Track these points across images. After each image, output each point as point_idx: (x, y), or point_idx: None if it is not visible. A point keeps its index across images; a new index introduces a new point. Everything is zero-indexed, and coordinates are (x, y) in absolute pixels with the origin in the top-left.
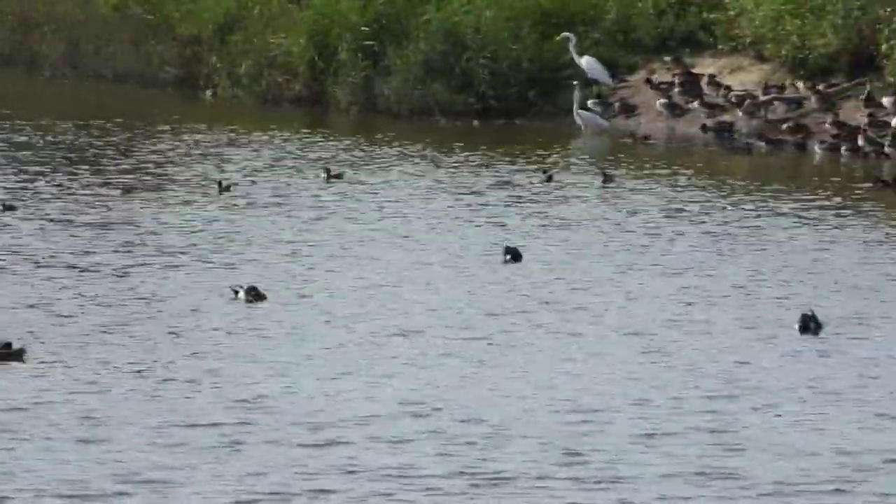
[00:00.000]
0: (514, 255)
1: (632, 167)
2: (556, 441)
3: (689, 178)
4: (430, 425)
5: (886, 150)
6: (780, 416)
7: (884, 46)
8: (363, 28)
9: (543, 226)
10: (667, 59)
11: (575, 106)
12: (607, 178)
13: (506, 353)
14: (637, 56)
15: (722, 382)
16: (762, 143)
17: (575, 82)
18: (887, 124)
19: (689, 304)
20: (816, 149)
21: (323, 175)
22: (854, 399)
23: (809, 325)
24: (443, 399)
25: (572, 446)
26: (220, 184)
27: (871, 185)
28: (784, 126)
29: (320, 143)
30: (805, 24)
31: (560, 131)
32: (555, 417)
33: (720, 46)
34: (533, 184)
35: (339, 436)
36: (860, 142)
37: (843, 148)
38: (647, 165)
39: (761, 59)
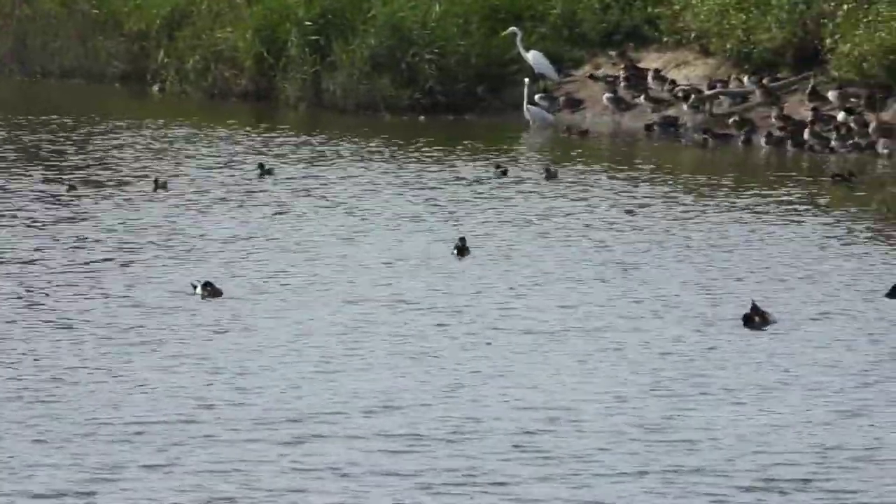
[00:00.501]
0: (461, 249)
1: (579, 162)
2: (521, 439)
3: (636, 173)
4: (389, 423)
5: (832, 144)
6: (739, 411)
7: (828, 41)
8: (309, 23)
9: (492, 221)
10: (612, 53)
11: (525, 100)
12: (550, 174)
13: (465, 349)
14: (583, 50)
15: (680, 378)
16: (707, 138)
17: (526, 79)
18: (832, 118)
19: (643, 299)
20: (762, 143)
21: (257, 171)
22: (811, 394)
23: (754, 318)
24: (402, 397)
25: (537, 445)
26: (156, 181)
27: (829, 179)
28: (729, 120)
29: (265, 138)
30: (750, 18)
31: (508, 126)
32: (519, 415)
33: (665, 41)
34: (482, 179)
35: (299, 433)
36: (806, 136)
37: (788, 142)
38: (595, 160)
39: (706, 53)
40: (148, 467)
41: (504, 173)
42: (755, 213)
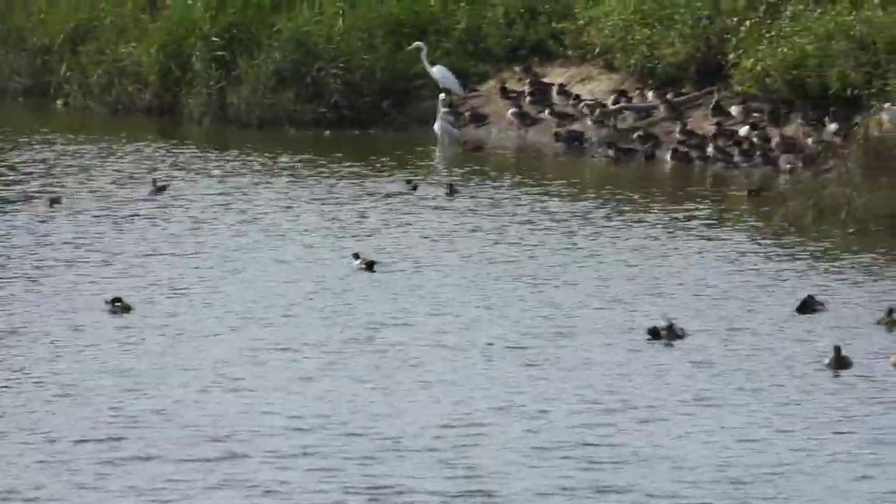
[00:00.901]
0: (369, 265)
1: (486, 177)
2: (444, 455)
3: (542, 188)
4: (309, 440)
5: (735, 159)
6: (652, 427)
7: (731, 56)
8: (214, 39)
9: (401, 236)
10: (517, 68)
11: (438, 115)
12: (452, 191)
13: (384, 365)
14: (487, 65)
15: (597, 394)
16: (612, 152)
17: (441, 94)
18: (735, 133)
19: (555, 315)
20: (666, 157)
21: (151, 187)
22: (723, 410)
23: (660, 332)
24: (318, 414)
25: (459, 460)
26: (52, 198)
27: (746, 194)
28: (633, 135)
29: (166, 153)
30: (654, 33)
31: (413, 141)
32: (440, 431)
33: (570, 55)
34: (391, 194)
35: (219, 452)
36: (709, 151)
37: (692, 157)
38: (501, 175)
39: (610, 68)
40: (74, 485)
41: (415, 188)
42: (663, 228)
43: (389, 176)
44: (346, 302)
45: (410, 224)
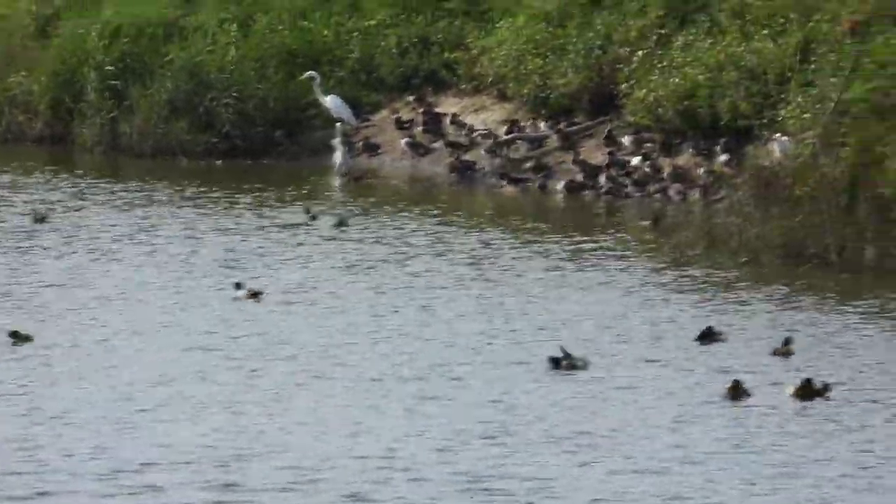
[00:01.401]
0: (254, 294)
1: (379, 207)
2: (350, 486)
3: (436, 218)
4: (214, 474)
5: (628, 189)
6: (542, 461)
7: (623, 86)
8: (108, 68)
9: (290, 266)
10: (410, 98)
11: (337, 143)
12: (341, 222)
13: (278, 398)
14: (381, 95)
15: (501, 425)
16: (505, 182)
17: (338, 124)
18: (628, 163)
19: (454, 345)
20: (558, 187)
21: (32, 217)
22: (621, 437)
23: (561, 363)
24: (222, 446)
25: (366, 496)
26: None
27: (649, 223)
28: (526, 165)
29: (55, 183)
30: (546, 63)
31: (307, 171)
32: (346, 463)
33: (463, 86)
34: (286, 224)
35: (122, 484)
36: (601, 181)
37: (585, 187)
38: (393, 205)
39: (503, 98)
40: None
41: (314, 218)
42: (560, 258)
43: (283, 207)
44: (231, 334)
45: (301, 255)
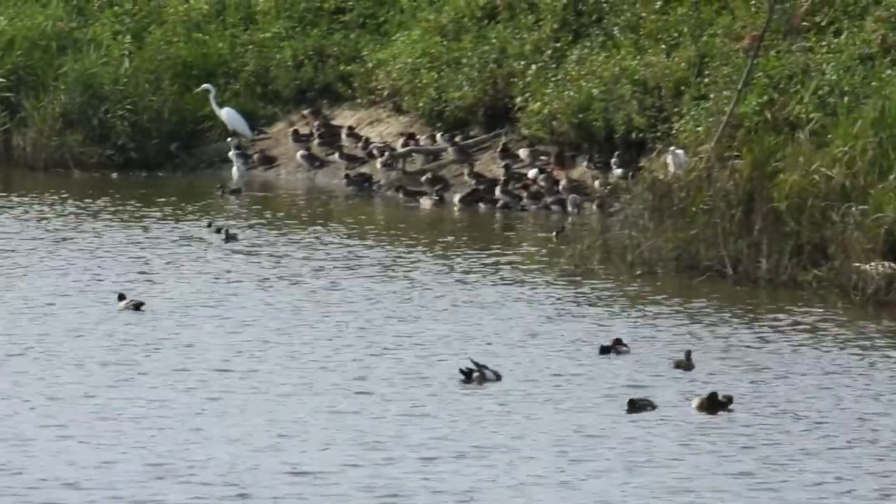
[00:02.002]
0: (137, 305)
1: (273, 220)
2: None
3: (333, 231)
4: (123, 490)
5: (524, 201)
6: (450, 474)
7: (518, 99)
8: (1, 80)
9: (176, 279)
10: (305, 112)
11: (233, 155)
12: (228, 237)
13: (191, 413)
14: (276, 107)
15: (394, 442)
16: (401, 195)
17: (230, 139)
18: (524, 176)
19: (361, 358)
20: (455, 200)
21: None
22: (524, 451)
23: (471, 375)
24: (124, 461)
25: None
26: None
27: (554, 235)
28: (422, 178)
29: None
30: (441, 76)
31: (202, 183)
32: (261, 478)
33: (359, 99)
34: (191, 237)
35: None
36: (497, 193)
37: (481, 200)
38: (288, 218)
39: (399, 111)
40: None
41: (218, 231)
42: (462, 271)
43: (176, 219)
44: (110, 346)
45: (195, 268)
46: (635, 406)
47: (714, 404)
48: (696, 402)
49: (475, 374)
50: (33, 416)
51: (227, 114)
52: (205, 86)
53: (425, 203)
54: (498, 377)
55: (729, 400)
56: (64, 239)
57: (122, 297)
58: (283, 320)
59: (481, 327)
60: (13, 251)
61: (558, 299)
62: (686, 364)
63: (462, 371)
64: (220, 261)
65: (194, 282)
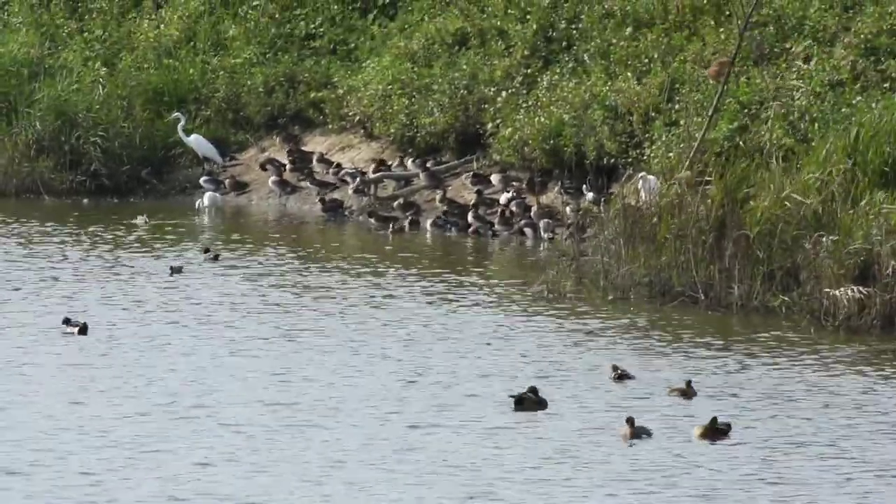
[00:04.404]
0: (82, 329)
1: (245, 244)
2: None
3: (305, 257)
4: None
5: (496, 227)
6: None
7: (490, 125)
8: None
9: (127, 305)
10: (277, 137)
11: (204, 181)
12: (175, 270)
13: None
14: (248, 133)
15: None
16: (373, 221)
17: (205, 164)
18: (495, 201)
19: (337, 383)
20: (427, 226)
21: None
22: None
23: (525, 401)
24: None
25: None
26: None
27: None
28: (394, 203)
29: None
30: (413, 102)
31: (173, 209)
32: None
33: (330, 125)
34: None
35: None
36: (469, 219)
37: (453, 225)
38: (261, 243)
39: (371, 136)
40: None
41: (215, 258)
42: (437, 296)
43: (142, 245)
44: (52, 371)
45: (150, 297)
46: (634, 432)
47: (715, 432)
48: (698, 430)
49: (527, 400)
50: None
51: (195, 141)
52: (176, 114)
53: (395, 227)
54: (546, 404)
55: (728, 427)
56: (22, 264)
57: (68, 321)
58: (253, 345)
59: (454, 354)
60: None
61: (537, 328)
62: (687, 391)
63: (516, 399)
64: (188, 287)
65: (149, 309)
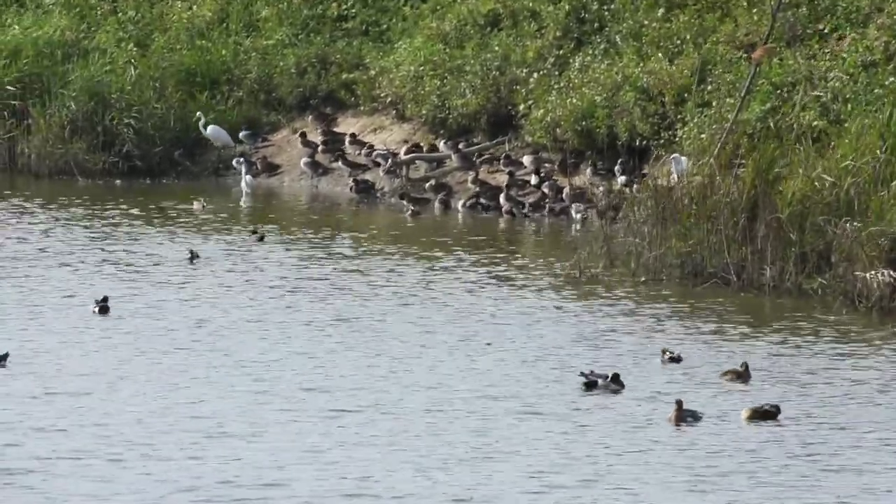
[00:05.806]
0: (102, 308)
1: (285, 226)
2: None
3: (338, 238)
4: None
5: (528, 209)
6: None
7: (521, 106)
8: (8, 87)
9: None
10: (309, 118)
11: (237, 163)
12: (193, 256)
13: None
14: (280, 115)
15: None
16: (405, 202)
17: (238, 145)
18: (527, 183)
19: (372, 366)
20: (458, 207)
21: None
22: (557, 461)
23: (595, 383)
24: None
25: None
26: None
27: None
28: (426, 185)
29: None
30: (444, 84)
31: (206, 190)
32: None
33: (362, 106)
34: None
35: None
36: (501, 200)
37: (485, 207)
38: (297, 224)
39: (403, 118)
40: None
41: (262, 239)
42: (471, 280)
43: (178, 226)
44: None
45: (189, 278)
46: (682, 416)
47: (762, 414)
48: (746, 412)
49: (600, 382)
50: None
51: (211, 131)
52: (199, 114)
53: (428, 209)
54: (619, 390)
55: (777, 409)
56: (60, 245)
57: (103, 301)
58: (286, 327)
59: (492, 337)
60: (10, 258)
61: (558, 308)
62: (741, 373)
63: (586, 383)
64: (225, 269)
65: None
